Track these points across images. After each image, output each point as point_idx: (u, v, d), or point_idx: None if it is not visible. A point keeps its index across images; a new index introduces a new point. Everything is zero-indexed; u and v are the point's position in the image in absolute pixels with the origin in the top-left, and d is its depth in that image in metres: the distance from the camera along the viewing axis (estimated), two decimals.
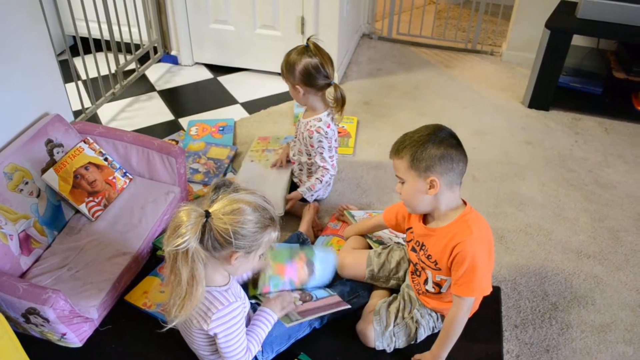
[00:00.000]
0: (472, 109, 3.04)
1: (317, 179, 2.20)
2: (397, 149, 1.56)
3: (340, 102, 2.11)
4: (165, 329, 1.45)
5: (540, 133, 2.86)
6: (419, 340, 1.74)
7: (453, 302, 1.58)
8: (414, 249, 1.70)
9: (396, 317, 1.72)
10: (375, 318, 1.72)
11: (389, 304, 1.76)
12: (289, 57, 2.07)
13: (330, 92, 2.14)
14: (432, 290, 1.69)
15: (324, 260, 1.89)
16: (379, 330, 1.70)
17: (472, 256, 1.50)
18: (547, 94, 3.00)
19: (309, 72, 2.03)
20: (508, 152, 2.71)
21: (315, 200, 2.30)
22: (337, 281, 1.92)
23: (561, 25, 2.81)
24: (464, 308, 1.56)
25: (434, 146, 1.49)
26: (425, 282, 1.69)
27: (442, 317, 1.74)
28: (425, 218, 1.66)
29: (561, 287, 2.00)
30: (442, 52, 3.66)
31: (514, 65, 3.50)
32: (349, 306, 1.77)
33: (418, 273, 1.73)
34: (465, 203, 1.61)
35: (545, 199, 2.42)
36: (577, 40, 3.21)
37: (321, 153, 2.16)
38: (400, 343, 1.72)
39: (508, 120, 2.96)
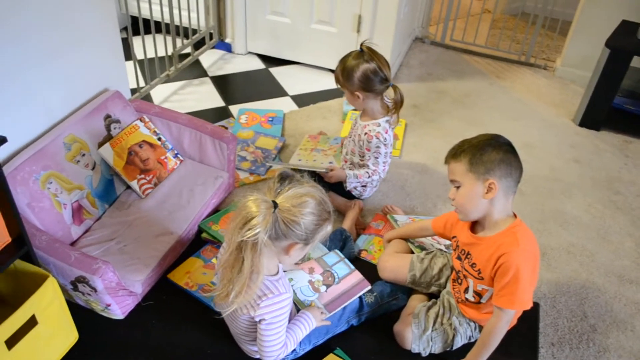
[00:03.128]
0: (522, 122, 3.01)
1: (366, 172, 2.18)
2: (455, 152, 1.56)
3: (400, 104, 2.12)
4: (222, 316, 1.48)
5: (590, 152, 2.82)
6: (454, 348, 1.74)
7: (493, 313, 1.58)
8: (459, 257, 1.70)
9: (434, 322, 1.73)
10: (414, 321, 1.72)
11: (429, 309, 1.77)
12: (345, 64, 2.06)
13: (388, 93, 2.14)
14: (472, 299, 1.69)
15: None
16: (417, 333, 1.71)
17: (516, 267, 1.49)
18: (600, 113, 2.95)
19: (368, 77, 2.03)
20: (555, 169, 2.67)
21: (359, 199, 2.32)
22: (377, 281, 1.93)
23: (622, 45, 2.76)
24: (504, 319, 1.55)
25: (493, 150, 1.50)
26: (466, 290, 1.69)
27: (480, 327, 1.74)
28: (474, 227, 1.66)
29: (601, 310, 1.98)
30: (494, 62, 3.63)
31: (566, 81, 3.44)
32: (370, 286, 1.82)
33: (459, 281, 1.73)
34: (515, 216, 1.60)
35: (591, 219, 2.38)
36: (636, 62, 3.14)
37: (376, 157, 2.16)
38: (436, 348, 1.72)
39: (557, 137, 2.92)
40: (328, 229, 1.43)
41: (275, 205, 1.33)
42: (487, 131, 2.74)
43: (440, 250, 1.98)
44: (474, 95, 3.22)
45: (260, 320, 1.46)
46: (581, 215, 2.40)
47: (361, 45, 2.06)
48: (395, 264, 1.92)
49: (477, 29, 3.72)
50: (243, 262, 1.34)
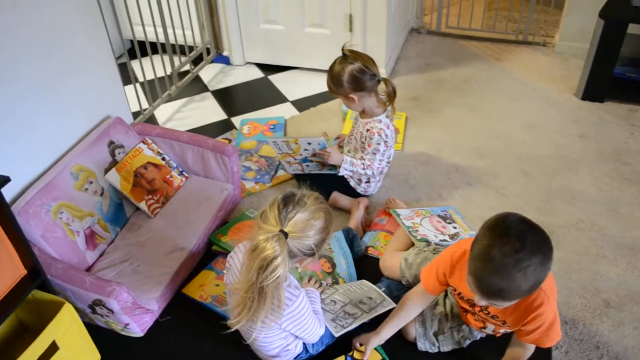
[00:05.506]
0: (523, 102, 3.00)
1: (362, 163, 2.20)
2: (504, 300, 1.32)
3: (393, 95, 2.15)
4: (230, 330, 1.52)
5: (594, 126, 2.79)
6: (465, 345, 1.73)
7: (524, 346, 1.54)
8: (470, 306, 1.60)
9: (440, 324, 1.72)
10: (418, 319, 1.73)
11: (435, 305, 1.76)
12: (333, 71, 2.11)
13: (380, 88, 2.17)
14: (490, 333, 1.64)
15: (340, 251, 2.05)
16: (421, 332, 1.72)
17: (551, 318, 1.45)
18: (602, 85, 2.92)
19: (355, 77, 2.07)
20: (560, 146, 2.66)
21: (364, 196, 2.34)
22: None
23: (616, 14, 2.73)
24: (532, 350, 1.53)
25: (527, 279, 1.25)
26: (484, 327, 1.64)
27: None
28: None
29: (614, 284, 1.97)
30: (492, 45, 3.61)
31: (567, 56, 3.41)
32: (394, 305, 1.78)
33: (475, 317, 1.64)
34: None
35: (598, 193, 2.37)
36: (634, 28, 3.10)
37: (374, 154, 2.19)
38: (445, 349, 1.72)
39: (560, 113, 2.90)
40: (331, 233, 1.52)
41: (285, 235, 1.39)
42: (488, 115, 2.72)
43: (437, 248, 1.91)
44: (473, 81, 3.21)
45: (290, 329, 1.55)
46: (588, 190, 2.39)
47: (342, 49, 2.10)
48: (391, 265, 1.93)
49: (471, 13, 3.71)
50: (266, 294, 1.40)
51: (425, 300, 1.67)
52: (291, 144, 2.21)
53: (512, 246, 1.23)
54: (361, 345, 1.70)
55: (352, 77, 2.07)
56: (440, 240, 2.04)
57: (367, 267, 2.04)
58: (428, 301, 1.68)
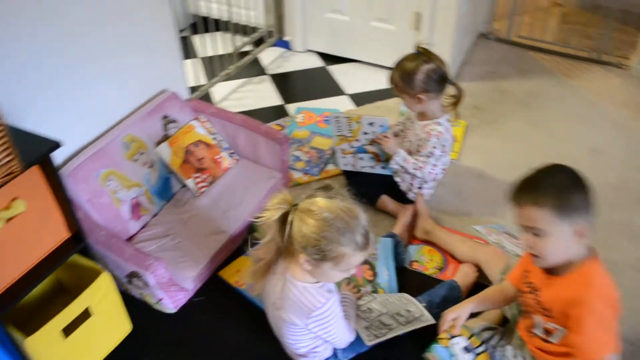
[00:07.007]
0: (590, 125, 2.86)
1: (415, 162, 2.11)
2: (534, 197, 1.34)
3: (459, 101, 2.09)
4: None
5: None
6: None
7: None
8: (529, 291, 1.56)
9: (484, 342, 1.67)
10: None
11: (486, 329, 1.70)
12: (404, 67, 2.03)
13: (448, 91, 2.10)
14: (541, 335, 1.54)
15: (384, 261, 1.98)
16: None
17: (594, 323, 1.36)
18: None
19: (430, 77, 2.00)
20: (626, 177, 2.52)
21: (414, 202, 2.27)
22: (427, 291, 1.87)
23: None
24: None
25: (579, 191, 1.33)
26: (534, 326, 1.56)
27: None
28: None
29: None
30: (563, 60, 3.45)
31: None
32: (434, 321, 1.70)
33: (524, 315, 1.62)
34: (593, 251, 1.43)
35: None
36: None
37: (428, 157, 2.11)
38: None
39: (629, 141, 2.75)
40: (356, 257, 1.40)
41: (295, 207, 1.37)
42: (551, 134, 2.61)
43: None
44: (539, 96, 3.08)
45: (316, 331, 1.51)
46: None
47: (416, 46, 2.02)
48: (494, 254, 1.90)
49: (545, 24, 3.55)
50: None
51: (507, 291, 1.65)
52: (352, 122, 2.14)
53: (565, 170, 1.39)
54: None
55: (427, 76, 2.00)
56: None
57: (410, 280, 1.98)
58: (510, 293, 1.65)
